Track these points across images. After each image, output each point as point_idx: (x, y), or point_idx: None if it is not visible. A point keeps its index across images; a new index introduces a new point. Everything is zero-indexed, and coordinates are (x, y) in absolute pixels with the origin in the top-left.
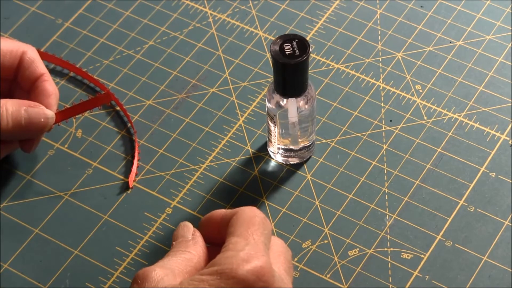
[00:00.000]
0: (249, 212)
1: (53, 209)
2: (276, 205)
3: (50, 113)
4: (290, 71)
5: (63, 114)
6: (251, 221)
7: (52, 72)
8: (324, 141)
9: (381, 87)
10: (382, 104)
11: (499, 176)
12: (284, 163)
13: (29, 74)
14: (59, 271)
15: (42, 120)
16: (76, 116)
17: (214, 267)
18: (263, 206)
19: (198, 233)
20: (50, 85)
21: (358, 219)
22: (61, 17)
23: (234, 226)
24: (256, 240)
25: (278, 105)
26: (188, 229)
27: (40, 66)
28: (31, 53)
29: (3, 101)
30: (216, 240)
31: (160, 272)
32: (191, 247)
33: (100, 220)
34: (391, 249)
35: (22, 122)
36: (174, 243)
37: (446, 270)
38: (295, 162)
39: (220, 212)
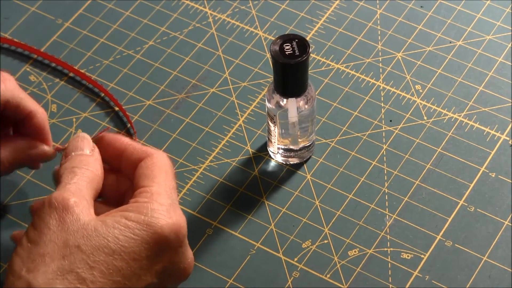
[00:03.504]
0: (165, 160)
1: None
2: (276, 205)
3: (48, 149)
4: (290, 71)
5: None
6: (167, 172)
7: (52, 72)
8: (324, 141)
9: (381, 87)
10: (382, 104)
11: (499, 176)
12: (284, 163)
13: (15, 115)
14: None
15: (43, 157)
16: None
17: (141, 215)
18: (263, 206)
19: (97, 150)
20: (39, 120)
21: (358, 219)
22: (61, 17)
23: (152, 171)
24: (173, 197)
25: (278, 105)
26: (88, 143)
27: (26, 104)
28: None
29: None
30: (112, 163)
31: (77, 201)
32: (92, 164)
33: None
34: (391, 249)
35: (24, 163)
36: (73, 154)
37: (446, 270)
38: (295, 162)
39: (124, 141)
